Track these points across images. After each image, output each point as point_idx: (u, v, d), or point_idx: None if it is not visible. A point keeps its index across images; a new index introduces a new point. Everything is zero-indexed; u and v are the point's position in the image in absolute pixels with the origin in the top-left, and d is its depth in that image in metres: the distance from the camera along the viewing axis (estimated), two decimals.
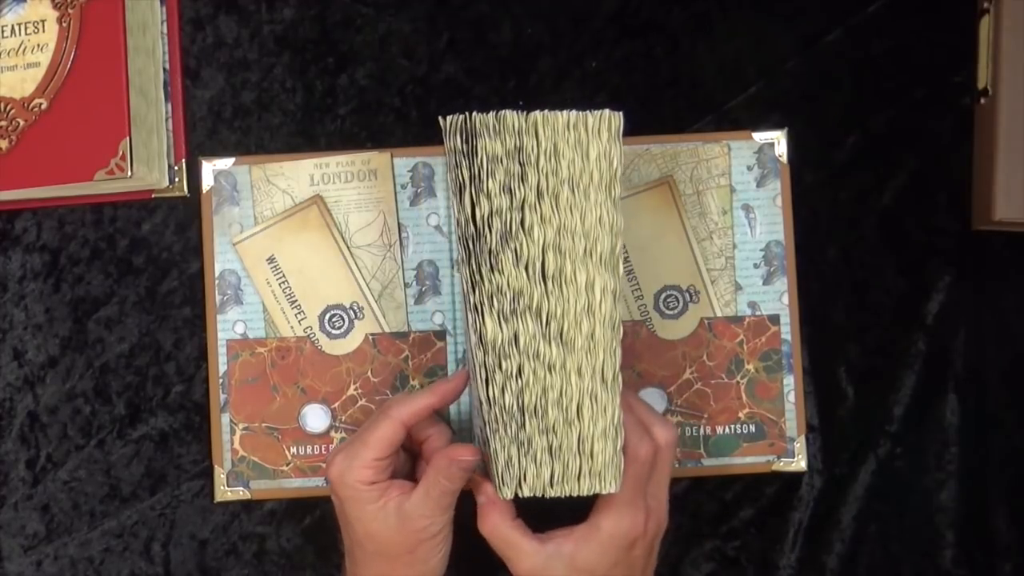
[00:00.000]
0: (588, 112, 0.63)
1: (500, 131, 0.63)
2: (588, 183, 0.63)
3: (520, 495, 0.64)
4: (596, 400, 0.64)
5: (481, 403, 0.65)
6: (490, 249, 0.63)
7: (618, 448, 0.64)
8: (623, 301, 0.76)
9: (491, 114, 0.63)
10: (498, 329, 0.63)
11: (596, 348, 0.63)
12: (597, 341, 0.63)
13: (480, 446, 0.67)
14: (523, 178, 0.63)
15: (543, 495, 0.64)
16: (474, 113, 0.63)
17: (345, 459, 0.66)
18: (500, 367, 0.63)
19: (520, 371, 0.63)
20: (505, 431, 0.64)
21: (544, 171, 0.63)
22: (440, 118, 0.64)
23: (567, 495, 0.64)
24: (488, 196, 0.63)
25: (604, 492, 0.64)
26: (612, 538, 0.65)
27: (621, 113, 0.64)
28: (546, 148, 0.63)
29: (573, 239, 0.63)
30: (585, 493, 0.64)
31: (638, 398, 0.70)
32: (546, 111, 0.63)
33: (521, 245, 0.63)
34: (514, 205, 0.63)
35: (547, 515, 0.67)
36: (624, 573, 0.66)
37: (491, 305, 0.63)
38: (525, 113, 0.63)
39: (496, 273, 0.63)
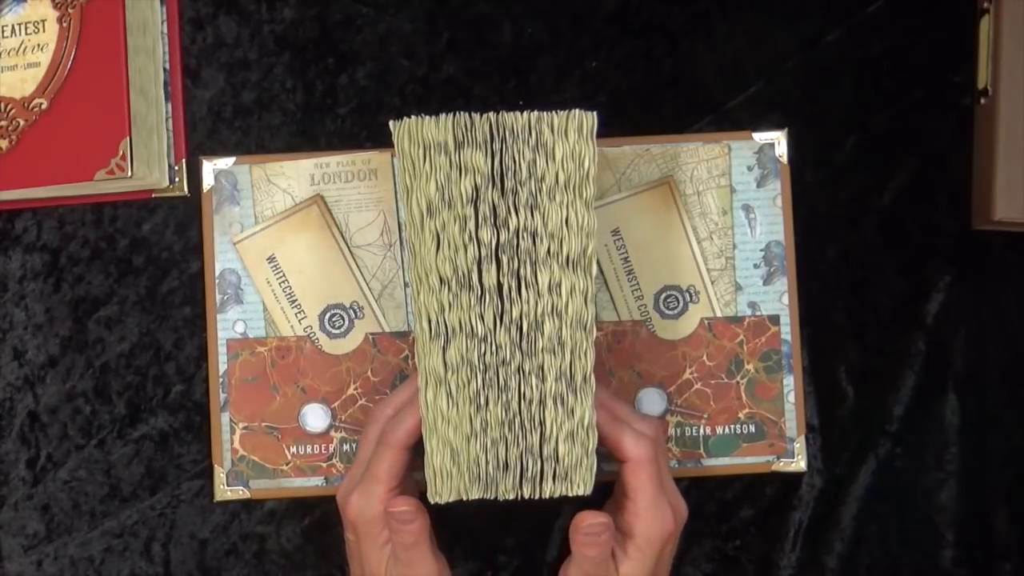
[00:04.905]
0: (554, 112, 0.63)
1: (447, 133, 0.63)
2: (553, 184, 0.63)
3: (464, 499, 0.63)
4: (561, 402, 0.63)
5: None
6: (436, 249, 0.63)
7: (589, 451, 0.63)
8: (623, 302, 0.76)
9: (442, 116, 0.63)
10: (440, 329, 0.63)
11: (562, 350, 0.63)
12: (564, 343, 0.63)
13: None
14: (475, 181, 0.63)
15: (495, 498, 0.64)
16: (423, 116, 0.63)
17: (361, 497, 0.65)
18: (444, 368, 0.63)
19: (465, 372, 0.63)
20: (443, 433, 0.63)
21: (498, 173, 0.63)
22: (390, 122, 0.64)
23: (526, 498, 0.64)
24: (432, 199, 0.63)
25: (572, 495, 0.63)
26: (650, 543, 0.65)
27: (594, 113, 0.63)
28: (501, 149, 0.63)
29: (535, 241, 0.63)
30: (549, 496, 0.63)
31: (614, 398, 0.69)
32: (502, 112, 0.63)
33: (471, 247, 0.63)
34: (463, 207, 0.63)
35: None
36: (663, 572, 0.67)
37: (435, 307, 0.63)
38: (480, 115, 0.63)
39: (439, 276, 0.63)
